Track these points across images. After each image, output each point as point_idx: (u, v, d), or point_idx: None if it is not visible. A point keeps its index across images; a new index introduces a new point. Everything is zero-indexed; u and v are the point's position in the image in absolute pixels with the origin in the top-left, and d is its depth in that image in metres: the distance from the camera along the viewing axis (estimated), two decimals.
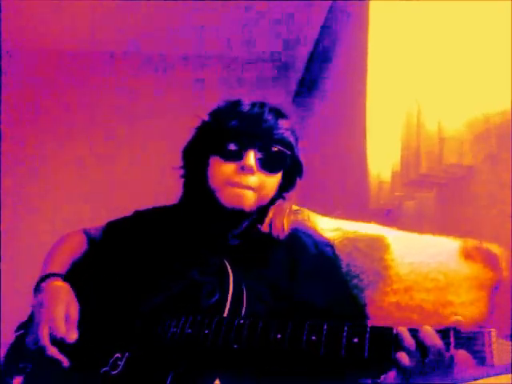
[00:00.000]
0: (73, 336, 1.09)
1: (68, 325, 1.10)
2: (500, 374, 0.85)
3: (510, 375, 0.82)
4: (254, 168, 1.16)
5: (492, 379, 0.86)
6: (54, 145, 3.65)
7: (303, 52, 3.38)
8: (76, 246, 1.37)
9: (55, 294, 1.16)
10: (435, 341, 0.79)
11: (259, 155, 1.17)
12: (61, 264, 1.28)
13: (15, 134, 3.59)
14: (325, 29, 2.96)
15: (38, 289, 1.19)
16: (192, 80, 3.81)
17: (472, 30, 1.42)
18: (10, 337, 1.24)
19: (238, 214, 1.19)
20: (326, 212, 1.49)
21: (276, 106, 1.25)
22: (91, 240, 1.41)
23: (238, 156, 1.16)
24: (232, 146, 1.17)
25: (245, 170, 1.15)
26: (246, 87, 3.67)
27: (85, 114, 3.72)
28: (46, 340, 1.08)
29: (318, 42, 3.09)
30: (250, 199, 1.17)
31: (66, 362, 1.07)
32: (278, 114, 1.23)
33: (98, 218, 1.47)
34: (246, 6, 3.27)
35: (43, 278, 1.21)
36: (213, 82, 3.75)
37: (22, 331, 1.21)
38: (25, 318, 1.26)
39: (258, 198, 1.19)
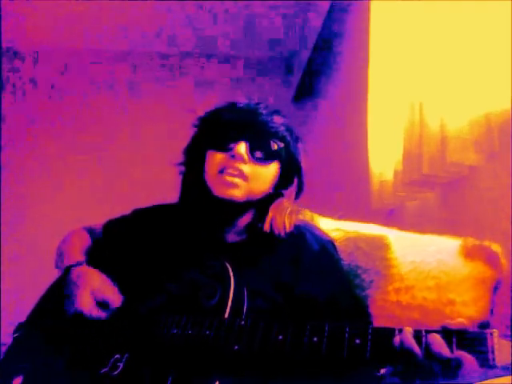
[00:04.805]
0: (118, 300, 1.12)
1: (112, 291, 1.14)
2: (500, 374, 0.85)
3: (510, 376, 0.82)
4: (245, 157, 1.16)
5: (492, 379, 0.85)
6: (54, 145, 3.67)
7: (303, 52, 3.38)
8: (84, 243, 1.37)
9: (90, 271, 1.19)
10: (443, 351, 0.78)
11: (251, 145, 1.18)
12: (80, 255, 1.30)
13: (16, 134, 3.61)
14: (325, 29, 2.97)
15: (67, 277, 1.21)
16: (192, 80, 3.82)
17: (473, 30, 1.42)
18: (9, 337, 1.25)
19: (230, 207, 1.18)
20: (328, 212, 1.48)
21: (274, 106, 1.27)
22: (93, 238, 1.41)
23: (229, 146, 1.18)
24: (224, 137, 1.19)
25: (235, 157, 1.16)
26: (246, 87, 3.67)
27: (85, 114, 3.73)
28: (88, 305, 1.11)
29: (318, 41, 3.09)
30: (239, 189, 1.16)
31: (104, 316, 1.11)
32: (274, 111, 1.25)
33: (99, 218, 1.48)
34: (246, 6, 3.28)
35: (70, 267, 1.22)
36: (213, 82, 3.76)
37: (20, 332, 1.21)
38: (24, 319, 1.26)
39: (249, 188, 1.18)
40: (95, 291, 1.13)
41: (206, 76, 3.83)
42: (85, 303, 1.11)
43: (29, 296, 1.29)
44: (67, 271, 1.21)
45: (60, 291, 1.18)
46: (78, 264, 1.22)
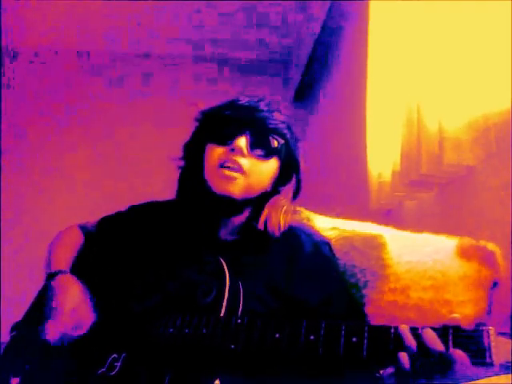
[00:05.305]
0: (89, 322, 1.10)
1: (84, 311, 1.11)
2: (500, 373, 0.84)
3: (510, 375, 0.82)
4: (245, 150, 1.17)
5: (492, 379, 0.85)
6: (54, 144, 3.68)
7: (303, 52, 3.39)
8: (75, 242, 1.37)
9: (69, 284, 1.17)
10: (437, 345, 0.78)
11: (251, 140, 1.18)
12: (65, 261, 1.28)
13: (16, 134, 3.62)
14: (325, 29, 2.97)
15: (47, 287, 1.19)
16: (191, 80, 3.82)
17: (472, 30, 1.42)
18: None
19: (228, 204, 1.18)
20: (326, 212, 1.48)
21: (276, 101, 1.27)
22: (87, 235, 1.41)
23: (229, 140, 1.18)
24: (224, 131, 1.19)
25: (235, 151, 1.16)
26: (246, 87, 3.67)
27: (85, 114, 3.73)
28: (56, 335, 1.07)
29: (317, 42, 3.09)
30: (238, 184, 1.16)
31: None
32: (275, 108, 1.25)
33: (99, 217, 1.48)
34: (245, 6, 3.28)
35: (52, 275, 1.20)
36: (212, 82, 3.76)
37: (17, 332, 1.21)
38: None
39: (248, 184, 1.18)
40: (71, 311, 1.10)
41: (205, 77, 3.84)
42: (52, 333, 1.08)
43: (29, 296, 1.29)
44: (50, 278, 1.20)
45: (42, 300, 1.17)
46: (60, 273, 1.21)
